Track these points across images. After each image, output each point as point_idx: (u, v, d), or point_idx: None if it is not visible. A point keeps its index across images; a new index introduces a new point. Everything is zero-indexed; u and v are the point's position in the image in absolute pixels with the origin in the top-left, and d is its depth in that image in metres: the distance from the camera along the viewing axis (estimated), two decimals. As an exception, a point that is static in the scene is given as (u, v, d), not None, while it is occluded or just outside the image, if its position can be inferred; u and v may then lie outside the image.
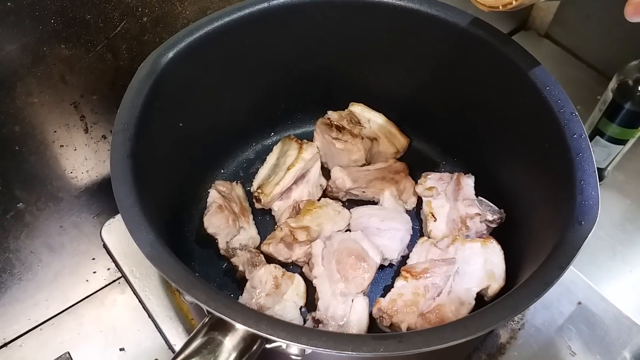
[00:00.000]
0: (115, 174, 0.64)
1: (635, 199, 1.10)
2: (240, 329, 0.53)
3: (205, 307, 0.53)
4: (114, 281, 0.99)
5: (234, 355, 0.53)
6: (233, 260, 0.84)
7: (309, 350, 0.52)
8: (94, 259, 0.99)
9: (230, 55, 0.85)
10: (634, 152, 1.06)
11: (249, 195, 0.95)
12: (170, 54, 0.77)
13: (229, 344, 0.54)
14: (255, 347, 0.54)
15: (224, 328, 0.54)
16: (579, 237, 0.58)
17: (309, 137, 0.99)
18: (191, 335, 0.56)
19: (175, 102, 0.80)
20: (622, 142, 0.99)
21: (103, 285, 0.98)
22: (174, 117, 0.81)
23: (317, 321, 0.76)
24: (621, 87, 0.93)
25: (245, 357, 0.54)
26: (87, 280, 0.98)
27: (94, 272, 0.99)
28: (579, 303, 0.91)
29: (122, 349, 0.89)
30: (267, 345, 0.55)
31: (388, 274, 0.87)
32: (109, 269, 0.99)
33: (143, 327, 0.90)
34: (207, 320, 0.56)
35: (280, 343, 0.53)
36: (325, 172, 0.98)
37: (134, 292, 0.93)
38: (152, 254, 0.57)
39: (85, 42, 0.79)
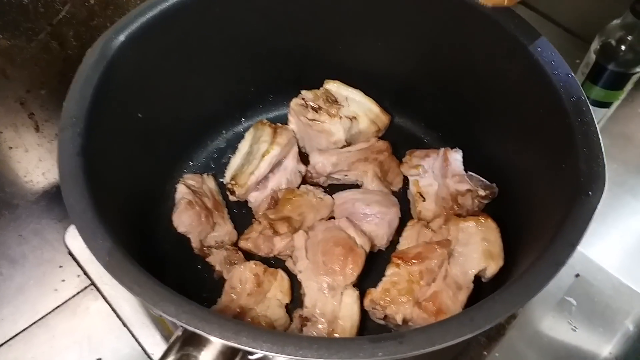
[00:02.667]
0: (64, 175, 0.56)
1: (621, 163, 1.07)
2: (218, 342, 0.47)
3: (175, 321, 0.47)
4: (85, 288, 0.92)
5: (212, 372, 0.47)
6: (209, 259, 0.77)
7: (298, 360, 0.46)
8: (61, 266, 0.93)
9: (190, 35, 0.77)
10: (617, 115, 1.02)
11: (222, 187, 0.88)
12: (121, 37, 0.68)
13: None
14: (236, 360, 0.48)
15: (199, 343, 0.48)
16: (588, 208, 0.53)
17: (284, 121, 0.92)
18: (163, 353, 0.49)
19: (131, 91, 0.72)
20: (606, 105, 0.96)
21: (74, 293, 0.92)
22: (131, 108, 0.73)
23: (304, 319, 0.70)
24: (604, 47, 0.89)
25: (226, 373, 0.47)
26: (55, 290, 0.92)
27: (63, 281, 0.93)
28: (577, 275, 0.88)
29: (99, 359, 0.83)
30: (251, 357, 0.49)
31: (378, 261, 0.81)
32: (79, 276, 0.93)
33: (120, 334, 0.85)
34: (180, 334, 0.50)
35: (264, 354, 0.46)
36: (304, 157, 0.91)
37: (105, 300, 0.87)
38: (111, 263, 0.50)
39: (25, 30, 0.72)
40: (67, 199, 0.54)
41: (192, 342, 0.49)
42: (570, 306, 0.85)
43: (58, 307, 0.90)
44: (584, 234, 0.51)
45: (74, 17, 0.75)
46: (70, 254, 0.90)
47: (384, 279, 0.72)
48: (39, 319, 0.88)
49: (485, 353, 0.81)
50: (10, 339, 0.86)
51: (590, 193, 0.53)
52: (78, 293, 0.91)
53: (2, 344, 0.86)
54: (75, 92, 0.63)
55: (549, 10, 1.30)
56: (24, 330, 0.87)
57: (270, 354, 0.46)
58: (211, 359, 0.48)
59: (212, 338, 0.46)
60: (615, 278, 0.88)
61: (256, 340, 0.45)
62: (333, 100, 0.88)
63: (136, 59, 0.71)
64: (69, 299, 0.90)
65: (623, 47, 0.87)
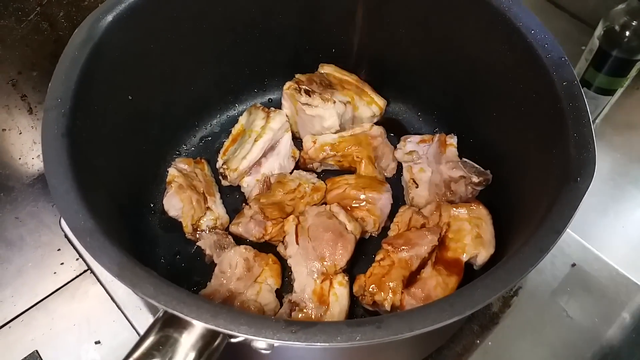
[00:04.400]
0: (47, 155, 0.56)
1: (624, 152, 1.05)
2: (198, 324, 0.46)
3: (154, 303, 0.46)
4: (84, 272, 0.92)
5: (192, 355, 0.47)
6: (199, 243, 0.77)
7: (277, 343, 0.46)
8: (59, 249, 0.93)
9: (181, 16, 0.76)
10: (621, 103, 1.00)
11: (216, 172, 0.87)
12: (109, 17, 0.68)
13: (186, 342, 0.47)
14: (216, 343, 0.48)
15: (179, 324, 0.47)
16: (576, 195, 0.51)
17: (279, 105, 0.91)
18: (143, 333, 0.49)
19: (120, 72, 0.71)
20: (610, 92, 0.94)
21: (73, 276, 0.92)
22: (121, 89, 0.73)
23: (293, 304, 0.70)
24: (607, 33, 0.87)
25: (206, 355, 0.47)
26: (54, 273, 0.92)
27: (62, 264, 0.93)
28: (573, 265, 0.87)
29: (97, 342, 0.83)
30: (232, 340, 0.49)
31: (370, 247, 0.81)
32: (77, 259, 0.93)
33: (118, 318, 0.85)
34: (160, 314, 0.49)
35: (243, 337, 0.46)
36: (298, 141, 0.90)
37: (100, 284, 0.87)
38: (92, 244, 0.50)
39: (14, 10, 0.72)
40: (50, 179, 0.54)
41: (172, 323, 0.48)
42: (566, 296, 0.84)
43: (57, 290, 0.90)
44: (570, 220, 0.50)
45: (65, -3, 0.75)
46: (67, 237, 0.90)
47: (373, 264, 0.72)
48: (39, 302, 0.88)
49: (478, 342, 0.80)
50: (10, 321, 0.86)
51: (579, 179, 0.52)
52: (77, 276, 0.91)
53: (1, 326, 0.86)
54: (60, 72, 0.62)
55: (555, -5, 1.28)
56: (24, 312, 0.87)
57: (248, 337, 0.45)
58: (192, 341, 0.48)
59: (190, 320, 0.46)
60: (613, 268, 0.86)
61: (233, 323, 0.45)
62: (327, 84, 0.87)
63: (125, 39, 0.70)
64: (68, 282, 0.90)
65: (627, 33, 0.85)
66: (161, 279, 0.49)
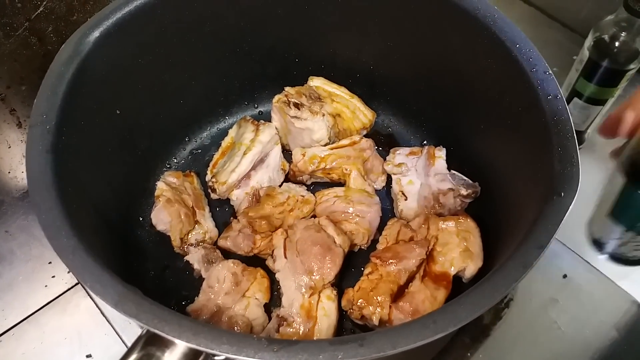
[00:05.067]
0: (31, 172, 0.56)
1: (615, 162, 1.05)
2: (180, 343, 0.46)
3: (135, 322, 0.46)
4: (75, 284, 0.92)
5: (174, 373, 0.46)
6: (187, 258, 0.77)
7: (259, 361, 0.45)
8: (50, 262, 0.93)
9: (168, 31, 0.77)
10: (612, 113, 1.00)
11: (205, 185, 0.87)
12: (96, 33, 0.68)
13: (168, 361, 0.47)
14: (199, 362, 0.48)
15: (161, 343, 0.47)
16: (559, 210, 0.51)
17: (269, 118, 0.91)
18: (126, 351, 0.49)
19: (107, 87, 0.71)
20: (601, 102, 0.94)
21: (64, 290, 0.91)
22: (108, 104, 0.73)
23: (281, 319, 0.70)
24: (597, 44, 0.87)
25: (188, 374, 0.47)
26: (45, 286, 0.91)
27: (53, 277, 0.92)
28: (565, 276, 0.86)
29: (89, 356, 0.82)
30: (216, 358, 0.48)
31: (359, 260, 0.80)
32: (68, 272, 0.92)
33: (110, 331, 0.84)
34: (143, 332, 0.49)
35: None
36: (288, 154, 0.90)
37: (90, 297, 0.86)
38: (74, 262, 0.49)
39: (2, 25, 0.72)
40: (33, 196, 0.54)
41: (154, 342, 0.48)
42: (557, 307, 0.83)
43: (48, 303, 0.89)
44: (553, 236, 0.50)
45: (53, 12, 0.75)
46: (56, 250, 0.90)
47: (361, 278, 0.71)
48: (29, 315, 0.88)
49: (469, 354, 0.80)
50: (1, 335, 0.86)
51: (562, 194, 0.52)
52: (68, 290, 0.90)
53: (-7, 340, 0.86)
54: (46, 88, 0.62)
55: (546, 6, 1.28)
56: (14, 326, 0.87)
57: (229, 356, 0.45)
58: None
59: (172, 338, 0.46)
60: (605, 279, 0.86)
61: (214, 342, 0.45)
62: (316, 97, 0.87)
63: (112, 55, 0.70)
64: (60, 295, 0.90)
65: (617, 44, 0.85)
66: (144, 297, 0.48)
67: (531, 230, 0.51)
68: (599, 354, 0.80)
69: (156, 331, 0.46)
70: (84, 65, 0.66)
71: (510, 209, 0.66)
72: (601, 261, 0.88)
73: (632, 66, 0.86)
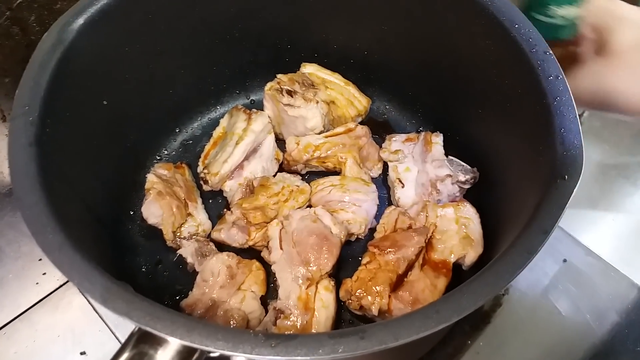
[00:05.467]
0: (14, 166, 0.53)
1: (612, 145, 1.05)
2: (173, 340, 0.44)
3: (126, 319, 0.44)
4: (67, 281, 0.90)
5: (168, 371, 0.45)
6: (180, 252, 0.75)
7: (256, 358, 0.44)
8: (40, 259, 0.91)
9: (156, 17, 0.74)
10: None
11: (197, 176, 0.85)
12: (80, 21, 0.65)
13: (162, 359, 0.45)
14: (194, 359, 0.46)
15: (153, 341, 0.46)
16: (563, 193, 0.49)
17: (261, 106, 0.89)
18: (117, 350, 0.47)
19: (93, 77, 0.69)
20: None
21: (56, 287, 0.89)
22: (95, 94, 0.70)
23: (278, 311, 0.68)
24: None
25: (183, 372, 0.45)
26: (37, 283, 0.89)
27: (44, 274, 0.91)
28: (564, 260, 0.85)
29: (83, 353, 0.81)
30: (211, 354, 0.47)
31: (357, 250, 0.79)
32: (59, 269, 0.90)
33: (104, 328, 0.83)
34: (135, 330, 0.47)
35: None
36: (281, 143, 0.88)
37: (82, 294, 0.85)
38: (61, 259, 0.47)
39: (-19, 15, 0.68)
40: (17, 192, 0.52)
41: (147, 339, 0.47)
42: (557, 292, 0.83)
43: (40, 301, 0.87)
44: (558, 220, 0.48)
45: (35, 0, 0.72)
46: (46, 247, 0.88)
47: (359, 268, 0.70)
48: (21, 314, 0.86)
49: (469, 342, 0.79)
50: (-7, 334, 0.85)
51: (566, 177, 0.50)
52: (60, 286, 0.88)
53: (-16, 341, 0.84)
54: (28, 79, 0.59)
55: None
56: (6, 325, 0.85)
57: (225, 352, 0.43)
58: (167, 358, 0.46)
59: (164, 336, 0.44)
60: (605, 263, 0.85)
61: (209, 338, 0.43)
62: (309, 84, 0.85)
63: (97, 43, 0.68)
64: (51, 292, 0.88)
65: None
66: (135, 294, 0.46)
67: (534, 215, 0.49)
68: (600, 338, 0.79)
69: (148, 329, 0.44)
70: (67, 54, 0.63)
71: (511, 194, 0.65)
72: (599, 244, 0.87)
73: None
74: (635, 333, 0.79)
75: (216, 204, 0.84)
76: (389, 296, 0.66)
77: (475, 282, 0.46)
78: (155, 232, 0.79)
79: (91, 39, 0.67)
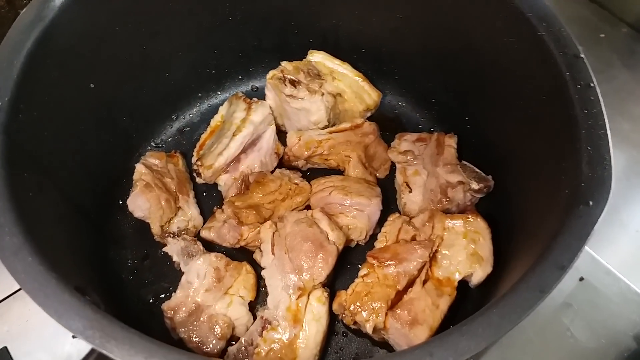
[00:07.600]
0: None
1: (640, 150, 0.97)
2: None
3: (82, 339, 0.40)
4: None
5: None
6: (165, 249, 0.70)
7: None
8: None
9: (150, -4, 0.68)
10: (641, 95, 0.91)
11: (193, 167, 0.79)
12: (63, -4, 0.60)
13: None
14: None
15: (112, 362, 0.41)
16: (586, 222, 0.43)
17: (263, 94, 0.82)
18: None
19: (78, 58, 0.64)
20: None
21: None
22: (80, 78, 0.65)
23: (265, 321, 0.63)
24: None
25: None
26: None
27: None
28: (581, 279, 0.79)
29: (74, 336, 0.78)
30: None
31: (356, 257, 0.73)
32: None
33: (98, 311, 0.80)
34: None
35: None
36: (283, 135, 0.82)
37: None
38: (15, 265, 0.43)
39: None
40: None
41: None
42: (572, 313, 0.76)
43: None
44: (578, 255, 0.42)
45: (23, -29, 0.67)
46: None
47: (356, 280, 0.64)
48: (14, 292, 0.81)
49: (472, 361, 0.73)
50: (-16, 312, 0.82)
51: (590, 203, 0.44)
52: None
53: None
54: (1, 59, 0.54)
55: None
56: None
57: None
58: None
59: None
60: (625, 283, 0.78)
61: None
62: (315, 74, 0.78)
63: (83, 21, 0.62)
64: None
65: None
66: (93, 309, 0.42)
67: (551, 245, 0.43)
68: (613, 366, 0.73)
69: (104, 351, 0.39)
70: (48, 33, 0.58)
71: (528, 212, 0.58)
72: (620, 262, 0.80)
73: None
74: (655, 363, 0.73)
75: (211, 198, 0.79)
76: (386, 314, 0.60)
77: (477, 322, 0.40)
78: (144, 225, 0.74)
79: (76, 17, 0.61)
